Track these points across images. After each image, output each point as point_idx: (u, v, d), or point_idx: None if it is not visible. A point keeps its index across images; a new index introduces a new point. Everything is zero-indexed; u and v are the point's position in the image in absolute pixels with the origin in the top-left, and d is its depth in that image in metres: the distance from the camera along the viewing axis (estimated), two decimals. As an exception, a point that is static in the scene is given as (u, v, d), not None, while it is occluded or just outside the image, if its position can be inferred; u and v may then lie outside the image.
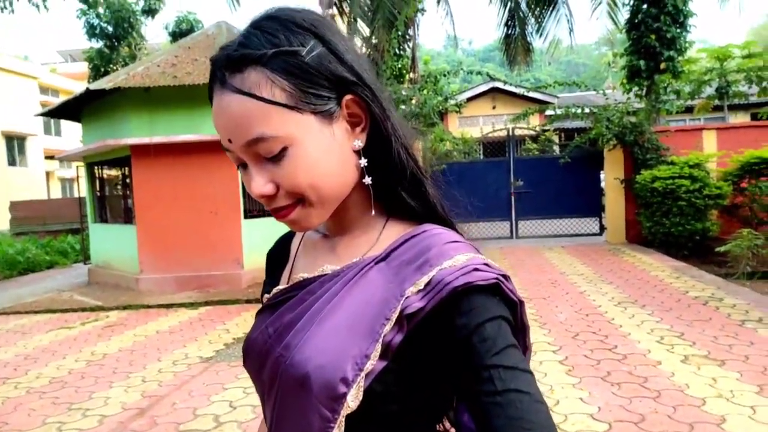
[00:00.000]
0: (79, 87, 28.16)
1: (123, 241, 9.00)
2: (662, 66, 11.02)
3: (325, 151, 0.65)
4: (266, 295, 0.77)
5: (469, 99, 19.11)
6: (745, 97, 16.40)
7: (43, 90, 26.88)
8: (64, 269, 12.25)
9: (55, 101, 27.29)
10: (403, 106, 9.94)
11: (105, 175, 10.03)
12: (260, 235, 8.59)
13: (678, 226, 8.58)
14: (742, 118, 18.60)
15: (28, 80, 24.54)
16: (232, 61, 0.63)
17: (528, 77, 50.85)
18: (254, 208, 8.77)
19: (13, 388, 4.40)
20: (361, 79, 0.67)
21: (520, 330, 0.67)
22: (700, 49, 17.47)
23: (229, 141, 0.64)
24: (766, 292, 6.20)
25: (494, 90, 19.88)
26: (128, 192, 9.11)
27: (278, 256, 0.85)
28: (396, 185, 0.71)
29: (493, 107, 20.66)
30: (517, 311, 0.66)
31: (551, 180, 11.32)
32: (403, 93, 9.87)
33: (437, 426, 0.72)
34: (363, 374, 0.61)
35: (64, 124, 26.64)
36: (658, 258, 8.47)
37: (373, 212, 0.73)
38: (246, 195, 8.56)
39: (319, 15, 0.68)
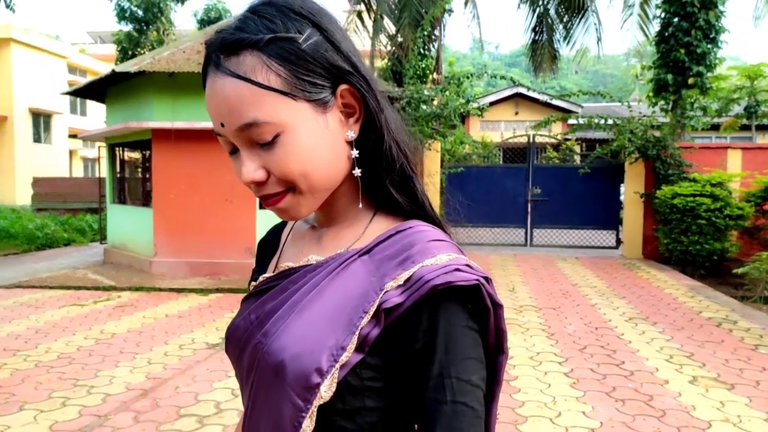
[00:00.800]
0: (106, 68, 28.56)
1: (140, 223, 9.11)
2: (690, 81, 10.85)
3: (317, 140, 0.64)
4: (253, 283, 0.78)
5: (492, 103, 19.02)
6: (774, 118, 16.07)
7: (71, 70, 27.26)
8: (80, 247, 12.43)
9: (83, 81, 27.71)
10: (424, 106, 9.89)
11: (126, 157, 10.15)
12: (272, 225, 8.63)
13: (696, 244, 8.45)
14: (770, 139, 18.26)
15: (58, 59, 24.90)
16: (227, 44, 0.62)
17: (553, 84, 50.37)
18: (270, 199, 8.83)
19: (23, 361, 4.48)
20: (357, 69, 0.66)
21: (498, 334, 0.66)
22: (730, 66, 17.16)
23: (222, 125, 0.64)
24: (782, 317, 6.07)
25: (518, 95, 19.76)
26: (147, 175, 9.21)
27: (269, 244, 0.86)
28: (384, 178, 0.70)
29: (516, 113, 20.52)
30: (493, 315, 0.65)
31: (570, 190, 11.22)
32: (425, 93, 9.82)
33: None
34: (338, 366, 0.61)
35: (90, 104, 27.03)
36: (673, 276, 8.34)
37: (361, 205, 0.72)
38: (262, 185, 8.61)
39: (317, 3, 0.67)
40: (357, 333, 0.61)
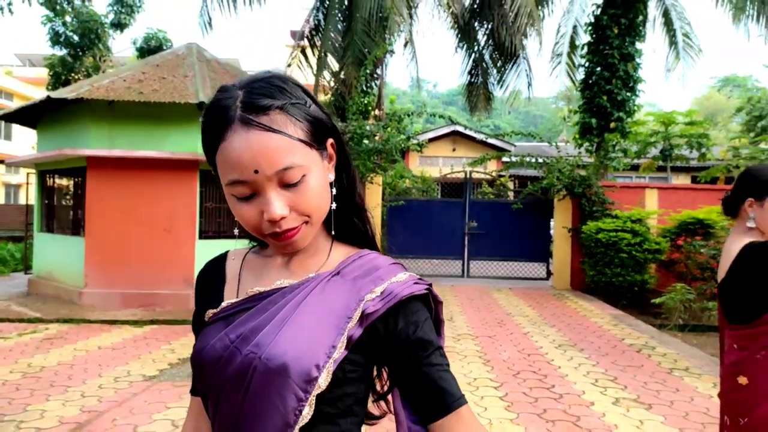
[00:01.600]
0: (35, 92, 27.37)
1: (69, 252, 8.76)
2: (612, 125, 11.74)
3: (323, 181, 0.82)
4: (212, 310, 0.87)
5: (431, 140, 19.64)
6: (686, 161, 17.52)
7: (-3, 92, 26.00)
8: (2, 278, 11.71)
9: (9, 105, 26.38)
10: (366, 141, 10.17)
11: (56, 185, 9.78)
12: (213, 256, 8.51)
13: (619, 276, 9.04)
14: (683, 180, 19.80)
15: (-18, 81, 23.72)
16: (258, 106, 0.76)
17: (488, 123, 52.50)
18: (209, 229, 8.73)
19: (-59, 397, 4.22)
20: (336, 126, 0.86)
21: (438, 321, 0.89)
22: (648, 112, 18.62)
23: (256, 172, 0.76)
24: (694, 343, 6.59)
25: (455, 133, 20.52)
26: (79, 203, 8.91)
27: (212, 277, 0.96)
28: (352, 213, 0.90)
29: (453, 149, 21.28)
30: (438, 308, 0.89)
31: (504, 224, 11.73)
32: (368, 129, 10.12)
33: (379, 409, 0.91)
34: (332, 361, 0.77)
35: (15, 128, 25.74)
36: (598, 305, 8.86)
37: (323, 237, 0.89)
38: (202, 215, 8.52)
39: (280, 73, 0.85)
40: (345, 333, 0.79)
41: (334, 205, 0.86)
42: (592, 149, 12.17)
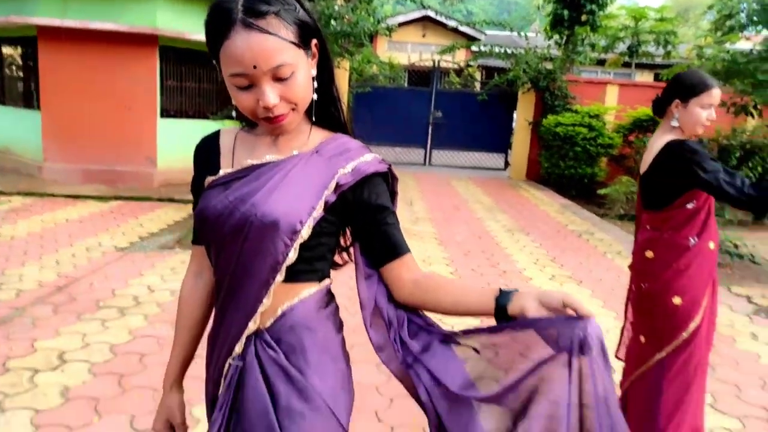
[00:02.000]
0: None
1: (24, 126, 8.55)
2: (583, 18, 11.61)
3: (307, 75, 0.99)
4: (211, 177, 1.07)
5: (401, 24, 18.98)
6: (651, 58, 17.61)
7: None
8: (-48, 151, 11.36)
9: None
10: (333, 23, 9.85)
11: (5, 54, 9.26)
12: (177, 136, 8.48)
13: (571, 168, 9.50)
14: (647, 77, 19.98)
15: None
16: (256, 11, 0.90)
17: (461, 8, 50.42)
18: (171, 108, 8.59)
19: None
20: (320, 28, 1.01)
21: (394, 194, 1.13)
22: (620, 6, 18.29)
23: (254, 67, 0.90)
24: (631, 231, 7.19)
25: (426, 18, 19.84)
26: (31, 75, 8.54)
27: (207, 151, 1.13)
28: (330, 104, 1.10)
29: (423, 35, 20.69)
30: (394, 183, 1.12)
31: (468, 115, 11.88)
32: (336, 10, 9.75)
33: (342, 259, 1.20)
34: (311, 218, 1.00)
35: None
36: (550, 195, 9.39)
37: (304, 121, 1.08)
38: (163, 93, 8.35)
39: None
40: (323, 198, 1.01)
41: (315, 96, 1.03)
42: (562, 42, 12.11)
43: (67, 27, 7.68)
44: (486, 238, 6.23)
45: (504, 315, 0.94)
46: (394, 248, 1.06)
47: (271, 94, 0.93)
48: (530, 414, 0.91)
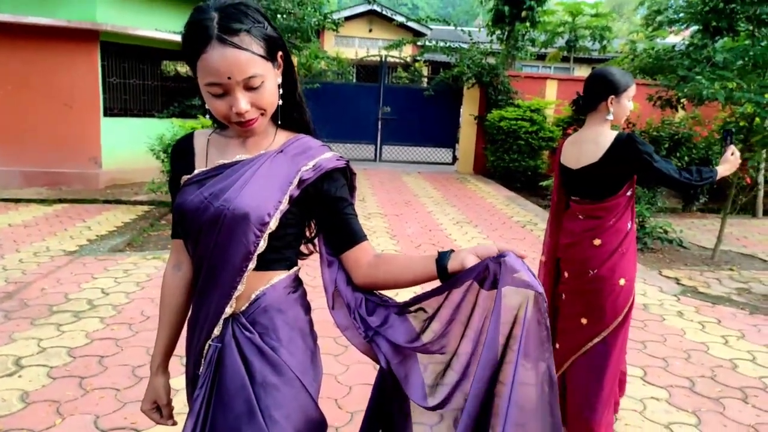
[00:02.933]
0: None
1: (-44, 127, 8.15)
2: (523, 14, 12.01)
3: (274, 84, 1.13)
4: (186, 176, 1.19)
5: (347, 18, 18.99)
6: (588, 52, 18.38)
7: None
8: None
9: None
10: (280, 17, 9.83)
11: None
12: (122, 136, 8.31)
13: (515, 162, 9.88)
14: (585, 71, 20.83)
15: None
16: (230, 29, 1.03)
17: (405, 1, 50.76)
18: (115, 107, 8.39)
19: None
20: (284, 42, 1.15)
21: (353, 188, 1.27)
22: (558, 2, 18.97)
23: (228, 78, 1.03)
24: (571, 220, 7.60)
25: (372, 12, 19.93)
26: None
27: (182, 152, 1.25)
28: (293, 108, 1.23)
29: (370, 30, 20.77)
30: (352, 178, 1.26)
31: (416, 110, 12.10)
32: (282, 5, 9.74)
33: (307, 249, 1.33)
34: (278, 211, 1.14)
35: None
36: (495, 188, 9.74)
37: (269, 124, 1.21)
38: (106, 91, 8.14)
39: (257, 3, 1.14)
40: (288, 193, 1.15)
41: (280, 102, 1.15)
42: (503, 38, 12.49)
43: (1, 21, 7.38)
44: (436, 231, 6.46)
45: (446, 274, 1.07)
46: (353, 236, 1.20)
47: (243, 102, 1.07)
48: (458, 352, 1.11)
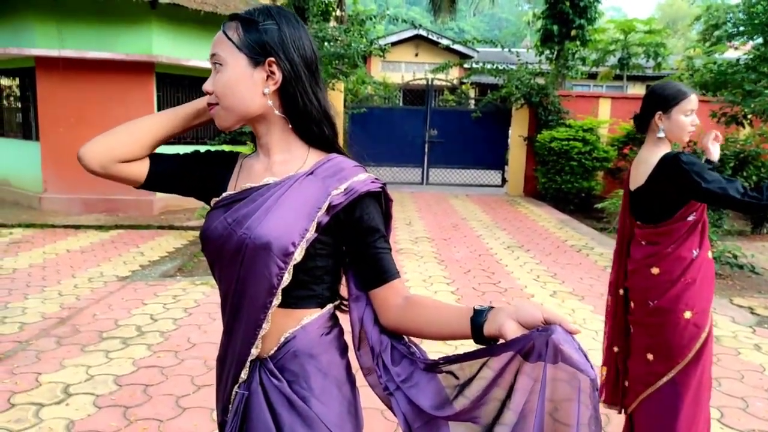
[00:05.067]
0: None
1: (23, 157, 8.60)
2: (573, 33, 11.77)
3: (240, 79, 1.05)
4: (215, 199, 1.12)
5: (393, 44, 19.21)
6: (642, 70, 17.82)
7: None
8: (-49, 183, 11.39)
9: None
10: (327, 45, 9.98)
11: (4, 86, 9.34)
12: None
13: (568, 183, 9.56)
14: (639, 89, 20.21)
15: None
16: (233, 16, 1.07)
17: (452, 26, 50.99)
18: (169, 135, 8.64)
19: None
20: (285, 53, 1.05)
21: (388, 216, 1.13)
22: (609, 20, 18.58)
23: (212, 56, 1.06)
24: (629, 244, 7.22)
25: (418, 37, 20.07)
26: (29, 105, 8.61)
27: (226, 163, 1.18)
28: (310, 122, 1.09)
29: (416, 54, 20.91)
30: (388, 205, 1.13)
31: (463, 132, 11.97)
32: (329, 32, 9.89)
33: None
34: (304, 240, 1.02)
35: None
36: (547, 211, 9.43)
37: (298, 144, 1.11)
38: (162, 120, 8.40)
39: (288, 12, 1.09)
40: (315, 220, 1.03)
41: (278, 113, 1.07)
42: (553, 57, 12.26)
43: (65, 57, 7.77)
44: (486, 256, 6.25)
45: (481, 336, 0.91)
46: (382, 274, 1.07)
47: (208, 81, 1.07)
48: (500, 422, 0.92)
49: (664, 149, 2.21)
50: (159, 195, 8.42)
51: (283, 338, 1.06)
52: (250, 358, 1.07)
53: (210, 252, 1.09)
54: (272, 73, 1.05)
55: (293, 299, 1.05)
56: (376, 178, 1.09)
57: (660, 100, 2.20)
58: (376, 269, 1.07)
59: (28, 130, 8.75)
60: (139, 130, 1.15)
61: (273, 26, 1.04)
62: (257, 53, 1.04)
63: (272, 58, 1.04)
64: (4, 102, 9.39)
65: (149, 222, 7.68)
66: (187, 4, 7.87)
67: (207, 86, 1.07)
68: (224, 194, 1.11)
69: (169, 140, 1.21)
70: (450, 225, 7.96)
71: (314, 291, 1.08)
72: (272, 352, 1.07)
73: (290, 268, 1.02)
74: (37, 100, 8.11)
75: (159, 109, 8.31)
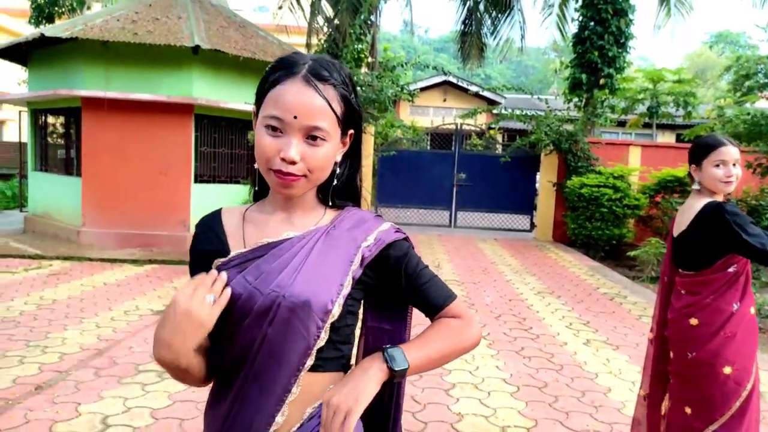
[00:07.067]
0: (16, 25, 26.41)
1: (65, 192, 8.91)
2: (601, 82, 11.89)
3: (333, 154, 1.02)
4: (220, 259, 1.02)
5: (422, 89, 19.61)
6: (672, 119, 17.81)
7: (-25, 23, 25.06)
8: (-6, 215, 11.83)
9: (-12, 37, 25.44)
10: (360, 89, 10.27)
11: (50, 124, 9.79)
12: (209, 200, 8.74)
13: (598, 230, 9.47)
14: (668, 137, 20.15)
15: (-41, 11, 22.83)
16: (320, 75, 0.98)
17: (479, 72, 51.87)
18: (204, 173, 8.90)
19: (-36, 324, 4.52)
20: (361, 122, 1.07)
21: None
22: (637, 69, 18.72)
23: (294, 117, 0.94)
24: (663, 293, 7.07)
25: (446, 83, 20.48)
26: (73, 143, 8.98)
27: (210, 231, 1.08)
28: (348, 194, 1.11)
29: (444, 99, 21.29)
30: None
31: (491, 176, 12.04)
32: (362, 78, 10.19)
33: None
34: (341, 296, 0.99)
35: (-4, 62, 24.88)
36: (577, 257, 9.33)
37: (315, 196, 1.08)
38: (197, 159, 8.68)
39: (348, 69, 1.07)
40: (350, 274, 1.01)
41: (335, 182, 1.05)
42: (581, 105, 12.37)
43: (110, 98, 8.14)
44: (516, 301, 6.19)
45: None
46: (442, 296, 1.08)
47: (295, 149, 0.95)
48: None
49: (704, 199, 2.23)
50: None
51: (308, 413, 1.00)
52: (274, 427, 0.98)
53: (222, 315, 0.97)
54: (344, 143, 1.05)
55: (321, 361, 0.99)
56: (399, 228, 1.09)
57: (692, 152, 2.28)
58: (434, 295, 1.07)
59: (70, 166, 9.11)
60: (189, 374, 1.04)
61: (351, 87, 1.03)
62: (347, 126, 1.03)
63: (352, 130, 1.05)
64: (49, 139, 9.82)
65: (182, 257, 7.82)
66: (227, 50, 8.24)
67: (298, 167, 0.96)
68: (234, 252, 1.02)
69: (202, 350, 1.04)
70: (479, 269, 7.92)
71: (341, 351, 1.04)
72: (295, 428, 1.00)
73: (327, 326, 0.98)
74: (81, 137, 8.46)
75: (196, 149, 8.59)
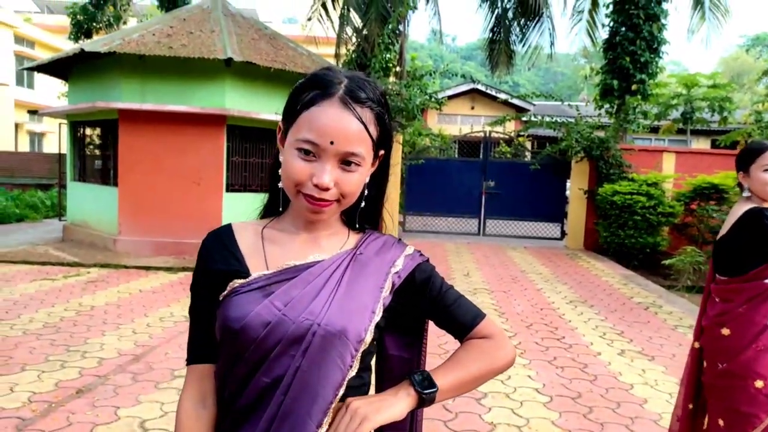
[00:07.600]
0: (56, 41, 27.43)
1: (102, 201, 9.18)
2: (633, 87, 11.69)
3: (364, 178, 0.98)
4: (239, 280, 0.95)
5: (450, 97, 19.61)
6: (707, 124, 17.39)
7: (18, 40, 26.11)
8: (34, 223, 12.26)
9: (31, 53, 26.53)
10: (388, 98, 10.32)
11: (88, 135, 10.11)
12: (240, 209, 8.89)
13: (631, 238, 9.28)
14: (703, 143, 19.66)
15: (3, 29, 23.83)
16: (357, 97, 0.93)
17: (507, 79, 51.59)
18: (236, 183, 9.06)
19: (9, 329, 4.68)
20: (392, 143, 1.04)
21: None
22: (670, 74, 18.37)
23: (331, 143, 0.90)
24: (700, 303, 6.89)
25: (474, 91, 20.44)
26: (110, 154, 9.25)
27: (222, 248, 1.01)
28: (371, 215, 1.08)
29: (472, 107, 21.24)
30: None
31: (521, 184, 11.94)
32: (390, 87, 10.25)
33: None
34: (373, 323, 0.96)
35: (38, 77, 25.93)
36: (610, 265, 9.16)
37: (340, 221, 1.05)
38: (229, 169, 8.84)
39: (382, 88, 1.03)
40: (381, 301, 0.98)
41: (363, 204, 1.02)
42: (612, 111, 12.18)
43: (146, 110, 8.38)
44: (547, 310, 6.11)
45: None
46: (471, 316, 1.05)
47: (329, 175, 0.91)
48: None
49: (748, 205, 2.19)
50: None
51: None
52: None
53: (244, 343, 0.91)
54: (373, 164, 1.00)
55: (347, 389, 0.94)
56: (420, 252, 1.08)
57: (738, 159, 2.24)
58: (462, 316, 1.04)
59: (106, 176, 9.37)
60: None
61: (385, 108, 0.98)
62: (379, 147, 0.99)
63: (383, 151, 1.01)
64: (87, 150, 10.14)
65: (214, 265, 7.95)
66: (258, 62, 8.39)
67: (331, 193, 0.93)
68: (257, 274, 0.96)
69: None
70: (509, 277, 7.85)
71: (364, 380, 1.00)
72: None
73: (359, 355, 0.94)
74: (118, 148, 8.71)
75: (228, 159, 8.76)
